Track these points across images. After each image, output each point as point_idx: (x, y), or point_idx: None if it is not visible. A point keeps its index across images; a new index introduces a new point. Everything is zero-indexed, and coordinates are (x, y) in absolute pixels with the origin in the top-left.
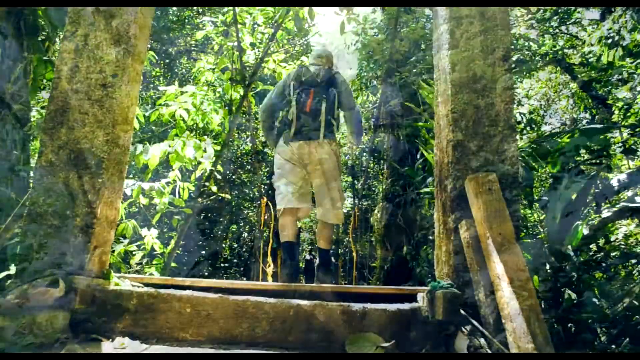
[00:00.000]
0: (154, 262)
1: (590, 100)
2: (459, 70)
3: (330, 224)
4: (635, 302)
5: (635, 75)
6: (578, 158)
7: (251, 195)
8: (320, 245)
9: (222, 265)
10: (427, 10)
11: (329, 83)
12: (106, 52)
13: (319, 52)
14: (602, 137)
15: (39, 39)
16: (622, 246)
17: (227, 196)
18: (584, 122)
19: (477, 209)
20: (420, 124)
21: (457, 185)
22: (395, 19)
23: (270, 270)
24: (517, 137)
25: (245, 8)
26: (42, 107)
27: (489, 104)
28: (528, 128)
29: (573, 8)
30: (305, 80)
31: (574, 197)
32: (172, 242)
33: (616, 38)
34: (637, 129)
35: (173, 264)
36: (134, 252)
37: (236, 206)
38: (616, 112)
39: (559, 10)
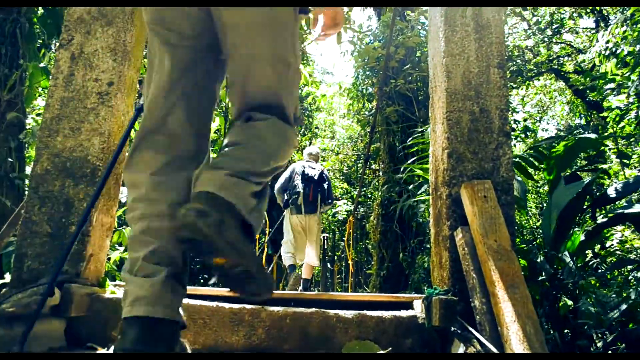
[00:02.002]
0: None
1: (584, 107)
2: (454, 77)
3: (312, 265)
4: (631, 308)
5: (629, 84)
6: (573, 164)
7: None
8: (305, 276)
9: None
10: (422, 18)
11: (321, 179)
12: (102, 60)
13: (311, 150)
14: (597, 145)
15: (35, 46)
16: (618, 252)
17: None
18: (580, 128)
19: (473, 216)
20: (417, 138)
21: (453, 192)
22: (391, 27)
23: None
24: (512, 144)
25: None
26: (38, 115)
27: (484, 111)
28: (523, 135)
29: (567, 16)
30: (308, 177)
31: (569, 203)
32: None
33: (615, 49)
34: (632, 139)
35: None
36: None
37: None
38: (610, 121)
39: (553, 21)
